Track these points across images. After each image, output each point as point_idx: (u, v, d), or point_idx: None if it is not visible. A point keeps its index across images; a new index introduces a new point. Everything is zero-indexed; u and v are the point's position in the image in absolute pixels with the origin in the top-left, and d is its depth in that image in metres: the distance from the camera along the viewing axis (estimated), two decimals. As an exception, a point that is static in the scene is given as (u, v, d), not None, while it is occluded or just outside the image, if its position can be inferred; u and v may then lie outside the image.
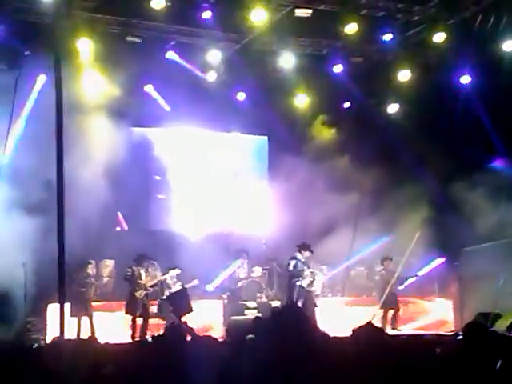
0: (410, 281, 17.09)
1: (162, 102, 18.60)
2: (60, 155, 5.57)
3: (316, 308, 15.39)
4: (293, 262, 15.35)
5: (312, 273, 15.58)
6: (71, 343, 6.53)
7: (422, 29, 17.08)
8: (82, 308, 14.87)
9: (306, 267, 15.43)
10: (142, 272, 15.17)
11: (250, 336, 12.78)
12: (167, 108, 18.66)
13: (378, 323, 14.85)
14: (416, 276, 17.22)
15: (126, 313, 15.07)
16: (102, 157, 16.51)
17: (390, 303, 16.55)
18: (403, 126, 18.48)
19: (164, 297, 15.47)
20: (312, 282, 15.56)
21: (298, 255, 15.43)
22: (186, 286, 15.48)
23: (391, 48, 17.47)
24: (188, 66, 17.63)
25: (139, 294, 15.00)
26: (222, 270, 16.96)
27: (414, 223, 17.09)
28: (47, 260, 12.24)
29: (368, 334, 4.55)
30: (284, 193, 18.63)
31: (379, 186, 18.32)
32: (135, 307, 14.93)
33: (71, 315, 14.32)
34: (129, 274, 15.04)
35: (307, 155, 18.81)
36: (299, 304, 14.59)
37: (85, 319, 14.94)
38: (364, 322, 4.79)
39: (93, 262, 15.62)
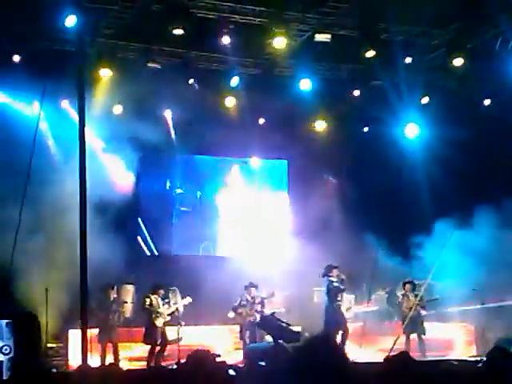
0: (431, 303, 16.89)
1: (171, 129, 18.74)
2: (83, 182, 5.58)
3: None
4: (331, 281, 15.18)
5: (347, 298, 15.54)
6: (95, 370, 6.53)
7: (442, 52, 17.11)
8: (107, 334, 14.83)
9: (342, 287, 15.29)
10: (159, 301, 15.13)
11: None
12: (173, 135, 18.79)
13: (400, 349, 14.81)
14: (436, 299, 17.03)
15: (145, 342, 15.04)
16: (121, 181, 16.77)
17: (412, 327, 16.29)
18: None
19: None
20: (349, 308, 15.55)
21: (331, 278, 15.30)
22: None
23: (411, 72, 17.49)
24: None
25: (159, 322, 14.96)
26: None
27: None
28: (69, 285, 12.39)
29: (401, 363, 4.51)
30: (304, 216, 18.60)
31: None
32: (155, 336, 14.89)
33: (98, 341, 14.46)
34: (147, 303, 15.03)
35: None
36: (341, 328, 14.61)
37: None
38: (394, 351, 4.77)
39: (115, 286, 15.61)
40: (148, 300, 15.04)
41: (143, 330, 15.09)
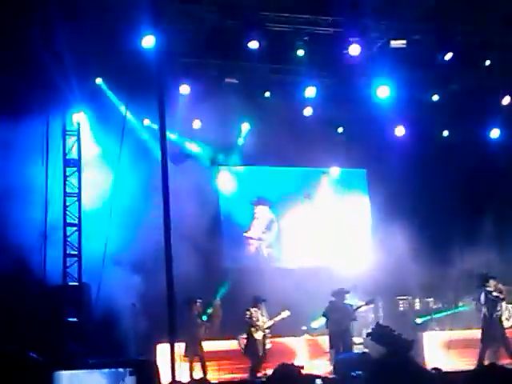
0: None
1: (241, 139, 18.89)
2: (167, 204, 5.71)
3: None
4: (489, 291, 14.91)
5: (506, 307, 15.29)
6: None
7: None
8: (193, 348, 15.04)
9: (502, 296, 15.01)
10: (259, 314, 15.29)
11: (358, 372, 12.61)
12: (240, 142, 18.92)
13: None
14: None
15: (245, 355, 15.28)
16: (200, 196, 17.06)
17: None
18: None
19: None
20: (510, 317, 15.27)
21: (489, 289, 15.00)
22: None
23: (489, 73, 17.16)
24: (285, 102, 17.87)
25: (258, 335, 15.19)
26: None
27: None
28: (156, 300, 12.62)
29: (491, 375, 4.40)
30: (386, 225, 18.42)
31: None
32: (256, 348, 15.11)
33: (184, 355, 14.65)
34: (248, 316, 15.23)
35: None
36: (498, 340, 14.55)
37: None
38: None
39: (200, 300, 15.79)
40: (248, 313, 15.26)
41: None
